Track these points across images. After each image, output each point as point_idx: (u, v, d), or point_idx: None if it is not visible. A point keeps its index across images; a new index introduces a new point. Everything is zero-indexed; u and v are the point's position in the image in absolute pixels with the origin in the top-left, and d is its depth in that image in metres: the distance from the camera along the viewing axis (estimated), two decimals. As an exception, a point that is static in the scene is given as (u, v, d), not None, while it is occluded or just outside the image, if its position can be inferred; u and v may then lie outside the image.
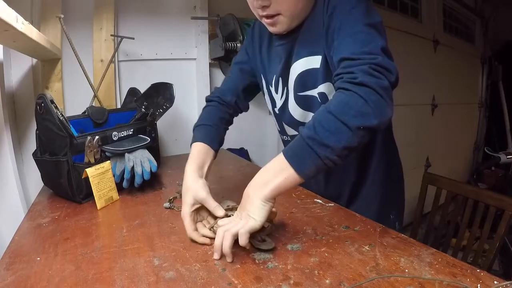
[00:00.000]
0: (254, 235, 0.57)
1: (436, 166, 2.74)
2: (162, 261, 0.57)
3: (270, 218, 0.63)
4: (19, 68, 1.17)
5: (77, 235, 0.67)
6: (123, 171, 0.89)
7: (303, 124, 0.78)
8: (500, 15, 3.19)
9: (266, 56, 0.83)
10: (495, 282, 0.46)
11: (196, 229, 0.64)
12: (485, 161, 3.05)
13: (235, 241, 0.55)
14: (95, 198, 0.81)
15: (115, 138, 0.96)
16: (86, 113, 1.01)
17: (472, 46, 3.26)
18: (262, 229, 0.60)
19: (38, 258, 0.58)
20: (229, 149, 1.63)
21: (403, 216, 0.90)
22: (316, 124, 0.52)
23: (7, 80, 1.12)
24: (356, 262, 0.54)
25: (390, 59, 0.55)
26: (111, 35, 1.29)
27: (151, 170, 0.91)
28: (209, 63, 1.51)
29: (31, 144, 1.14)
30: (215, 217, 0.66)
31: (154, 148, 1.09)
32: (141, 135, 1.05)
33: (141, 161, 0.91)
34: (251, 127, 1.77)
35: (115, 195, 0.87)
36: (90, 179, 0.80)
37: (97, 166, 0.83)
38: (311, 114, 0.77)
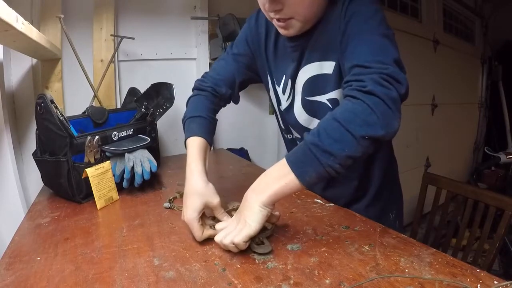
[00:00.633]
0: (253, 236, 0.57)
1: (436, 166, 2.74)
2: (162, 261, 0.57)
3: (273, 220, 0.63)
4: (19, 68, 1.17)
5: (77, 235, 0.67)
6: (123, 171, 0.89)
7: (306, 129, 0.78)
8: (500, 15, 3.19)
9: (273, 52, 0.79)
10: (495, 282, 0.46)
11: (202, 230, 0.62)
12: (485, 161, 3.05)
13: None
14: (95, 198, 0.81)
15: (115, 138, 0.96)
16: (86, 113, 1.01)
17: (472, 46, 3.25)
18: (263, 230, 0.60)
19: (38, 258, 0.58)
20: (229, 149, 1.63)
21: (402, 214, 0.90)
22: (321, 130, 0.52)
23: (7, 80, 1.12)
24: (356, 262, 0.54)
25: (402, 71, 0.54)
26: (111, 35, 1.29)
27: (151, 170, 0.91)
28: (209, 63, 1.51)
29: (31, 144, 1.14)
30: (213, 217, 0.66)
31: (154, 148, 1.09)
32: (141, 135, 1.05)
33: (141, 161, 0.91)
34: (251, 127, 1.77)
35: (115, 195, 0.87)
36: (90, 179, 0.80)
37: (97, 166, 0.83)
38: (316, 120, 0.76)
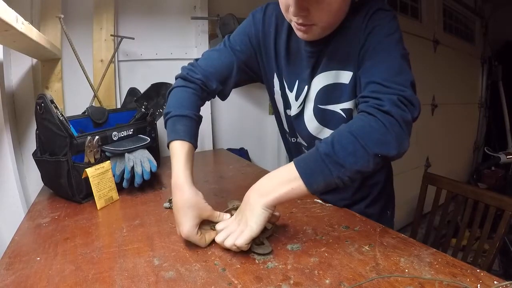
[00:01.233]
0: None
1: (436, 166, 2.74)
2: (162, 261, 0.57)
3: (273, 220, 0.63)
4: (19, 68, 1.17)
5: (77, 235, 0.67)
6: (123, 171, 0.89)
7: (315, 137, 0.77)
8: (500, 15, 3.19)
9: (285, 55, 0.75)
10: (495, 282, 0.46)
11: (205, 238, 0.61)
12: (485, 161, 3.05)
13: None
14: (95, 198, 0.81)
15: (115, 138, 0.96)
16: (86, 113, 1.01)
17: (472, 46, 3.25)
18: (263, 230, 0.60)
19: (38, 258, 0.58)
20: (229, 149, 1.63)
21: (394, 209, 0.92)
22: (335, 142, 0.52)
23: (7, 80, 1.12)
24: (356, 262, 0.54)
25: (415, 94, 0.56)
26: (111, 35, 1.29)
27: (151, 170, 0.91)
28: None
29: (31, 144, 1.14)
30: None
31: (154, 148, 1.09)
32: (141, 135, 1.05)
33: (141, 161, 0.91)
34: (251, 127, 1.77)
35: (115, 195, 0.87)
36: (90, 179, 0.80)
37: (97, 166, 0.83)
38: (326, 130, 0.75)
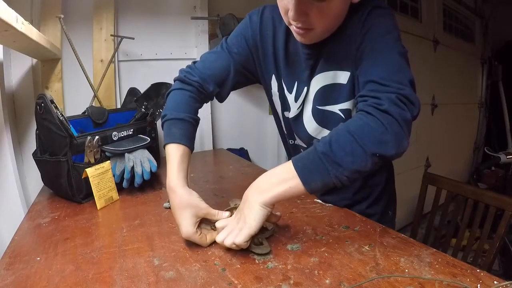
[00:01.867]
0: (254, 235, 0.57)
1: (436, 166, 2.73)
2: (162, 261, 0.57)
3: (273, 220, 0.63)
4: (19, 68, 1.17)
5: (77, 235, 0.67)
6: (123, 171, 0.89)
7: (313, 138, 0.76)
8: (500, 15, 3.19)
9: (284, 57, 0.75)
10: (495, 282, 0.46)
11: (205, 238, 0.62)
12: (485, 161, 3.05)
13: None
14: (95, 198, 0.81)
15: (115, 138, 0.96)
16: (86, 113, 1.01)
17: (472, 46, 3.25)
18: (264, 230, 0.60)
19: (38, 258, 0.58)
20: (229, 149, 1.63)
21: (396, 209, 0.91)
22: (333, 141, 0.52)
23: (7, 80, 1.12)
24: (356, 262, 0.54)
25: (415, 92, 0.55)
26: (111, 35, 1.29)
27: (151, 170, 0.91)
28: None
29: (31, 144, 1.14)
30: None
31: (154, 148, 1.09)
32: (141, 135, 1.05)
33: (141, 161, 0.91)
34: (251, 127, 1.77)
35: (115, 195, 0.87)
36: (90, 179, 0.80)
37: (97, 166, 0.83)
38: (325, 131, 0.75)
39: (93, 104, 1.22)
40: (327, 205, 0.79)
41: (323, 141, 0.53)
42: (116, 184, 0.88)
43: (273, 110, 0.88)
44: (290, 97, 0.78)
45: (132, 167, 0.89)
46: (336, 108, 0.71)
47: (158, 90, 1.22)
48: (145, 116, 1.11)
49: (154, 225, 0.72)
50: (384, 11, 0.62)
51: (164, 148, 0.69)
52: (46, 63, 1.19)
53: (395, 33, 0.60)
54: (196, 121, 0.73)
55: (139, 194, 0.92)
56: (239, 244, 0.55)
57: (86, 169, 0.81)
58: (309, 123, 0.77)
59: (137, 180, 0.89)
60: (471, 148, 3.42)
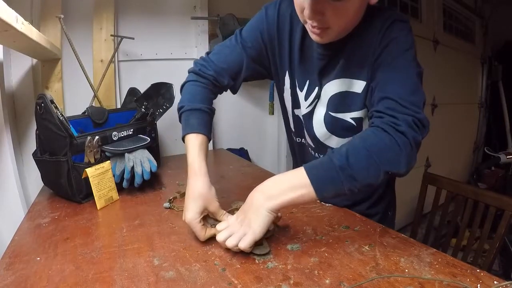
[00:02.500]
0: None
1: (436, 166, 2.73)
2: (162, 261, 0.57)
3: (274, 221, 0.63)
4: (19, 68, 1.17)
5: (77, 235, 0.67)
6: (123, 171, 0.89)
7: (321, 143, 0.78)
8: (500, 15, 3.19)
9: (299, 54, 0.74)
10: (495, 282, 0.46)
11: (205, 230, 0.63)
12: (485, 161, 3.05)
13: None
14: (95, 198, 0.81)
15: (115, 138, 0.96)
16: (86, 113, 1.01)
17: (472, 46, 3.25)
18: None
19: (38, 258, 0.58)
20: (229, 149, 1.63)
21: (395, 210, 0.92)
22: (350, 155, 0.53)
23: (7, 80, 1.12)
24: (356, 262, 0.54)
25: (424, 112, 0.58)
26: (111, 35, 1.29)
27: (151, 170, 0.91)
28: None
29: (31, 144, 1.14)
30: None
31: (154, 148, 1.09)
32: (141, 135, 1.05)
33: (141, 161, 0.91)
34: (251, 127, 1.77)
35: (115, 195, 0.87)
36: (90, 179, 0.80)
37: (97, 166, 0.83)
38: (333, 137, 0.76)
39: (93, 104, 1.22)
40: (327, 205, 0.79)
41: (339, 153, 0.54)
42: (116, 184, 0.88)
43: (283, 107, 0.88)
44: (301, 95, 0.78)
45: (132, 167, 0.89)
46: (348, 117, 0.72)
47: (158, 90, 1.22)
48: (145, 116, 1.11)
49: (154, 225, 0.72)
50: (404, 25, 0.62)
51: (183, 139, 0.71)
52: (46, 63, 1.19)
53: (413, 51, 0.62)
54: (212, 111, 0.75)
55: (139, 194, 0.92)
56: (243, 249, 0.55)
57: (86, 169, 0.81)
58: (319, 127, 0.77)
59: (137, 180, 0.89)
60: (471, 148, 3.42)
